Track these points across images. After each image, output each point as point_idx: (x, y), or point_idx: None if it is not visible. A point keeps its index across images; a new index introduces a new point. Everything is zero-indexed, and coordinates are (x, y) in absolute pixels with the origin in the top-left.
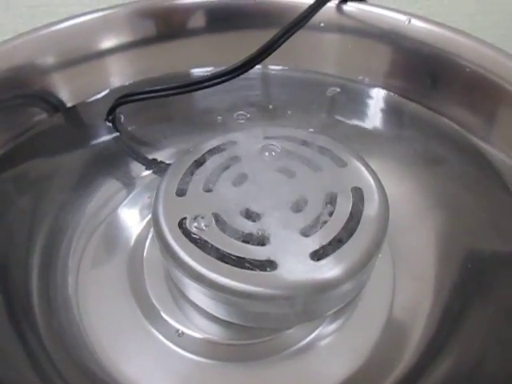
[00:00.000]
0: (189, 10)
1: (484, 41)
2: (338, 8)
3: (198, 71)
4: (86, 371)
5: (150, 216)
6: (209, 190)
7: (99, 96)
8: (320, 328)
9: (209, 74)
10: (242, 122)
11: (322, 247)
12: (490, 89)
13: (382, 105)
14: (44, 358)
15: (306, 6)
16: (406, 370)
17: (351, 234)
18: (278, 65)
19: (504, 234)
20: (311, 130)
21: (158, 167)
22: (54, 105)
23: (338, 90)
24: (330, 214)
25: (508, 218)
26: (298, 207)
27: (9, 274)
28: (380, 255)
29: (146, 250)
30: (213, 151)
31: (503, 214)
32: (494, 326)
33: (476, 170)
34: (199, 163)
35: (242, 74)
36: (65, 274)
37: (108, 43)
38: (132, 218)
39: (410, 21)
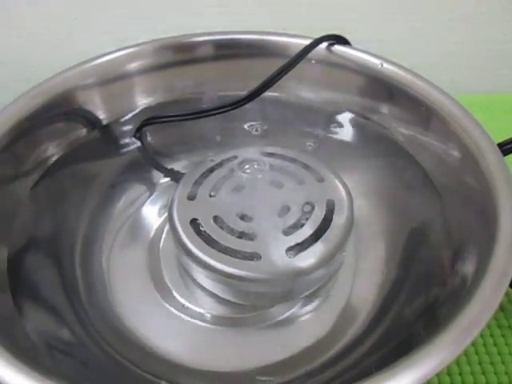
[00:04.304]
0: (202, 44)
1: (441, 89)
2: (327, 49)
3: (210, 92)
4: (114, 329)
5: (166, 214)
6: (214, 196)
7: (129, 116)
8: (294, 308)
9: (218, 104)
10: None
11: (298, 244)
12: (436, 121)
13: (353, 126)
14: (85, 317)
15: (299, 44)
16: (354, 337)
17: (321, 236)
18: (275, 92)
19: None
20: (298, 148)
21: (175, 175)
22: (93, 122)
23: (320, 114)
24: (307, 219)
25: (435, 214)
26: (282, 212)
27: (60, 252)
28: (344, 253)
29: (162, 241)
30: (219, 164)
31: (433, 212)
32: (414, 290)
33: (414, 179)
34: (207, 174)
35: (247, 103)
36: (100, 255)
37: (137, 74)
38: (152, 216)
39: (382, 64)
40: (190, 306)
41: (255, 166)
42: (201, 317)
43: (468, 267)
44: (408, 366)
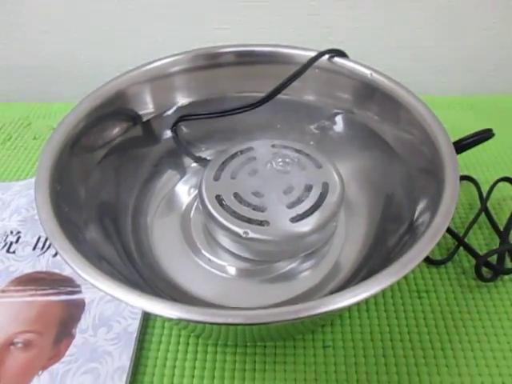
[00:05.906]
0: (228, 54)
1: (413, 93)
2: (329, 60)
3: (232, 93)
4: (156, 273)
5: (195, 193)
6: (234, 178)
7: (168, 112)
8: (294, 264)
9: (239, 104)
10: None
11: (299, 215)
12: (406, 116)
13: (345, 122)
14: (133, 260)
15: (304, 55)
16: (340, 283)
17: (317, 209)
18: (284, 94)
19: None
20: (301, 140)
21: (202, 162)
22: (141, 117)
23: (320, 112)
24: (307, 197)
25: (402, 183)
26: (287, 191)
27: (118, 214)
28: (335, 223)
29: (192, 212)
30: (238, 153)
31: (400, 182)
32: (383, 246)
33: (389, 160)
34: (229, 160)
35: (264, 104)
36: (145, 220)
37: (177, 78)
38: (184, 192)
39: (371, 74)
40: (214, 259)
41: (267, 154)
42: (222, 268)
43: (421, 224)
44: (365, 285)
